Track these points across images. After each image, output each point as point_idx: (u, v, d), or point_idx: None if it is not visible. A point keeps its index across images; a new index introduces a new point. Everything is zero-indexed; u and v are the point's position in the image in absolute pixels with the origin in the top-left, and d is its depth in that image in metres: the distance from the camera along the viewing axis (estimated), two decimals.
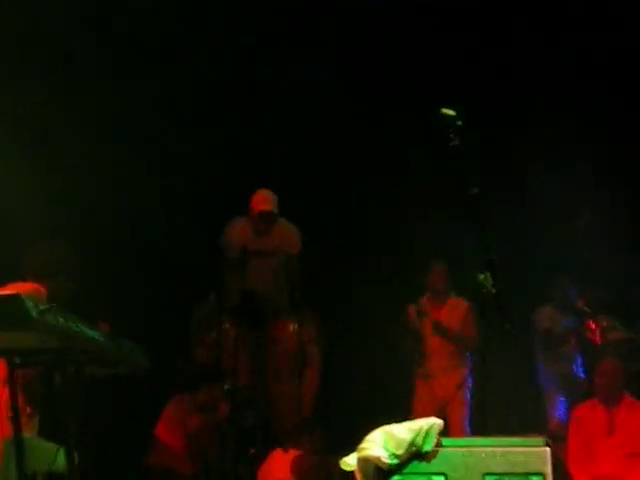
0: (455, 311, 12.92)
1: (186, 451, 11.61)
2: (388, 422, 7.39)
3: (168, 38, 14.26)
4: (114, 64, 14.26)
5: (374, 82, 14.23)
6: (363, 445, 7.19)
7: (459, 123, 8.43)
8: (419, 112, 10.05)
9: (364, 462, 7.16)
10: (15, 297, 7.86)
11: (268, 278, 12.54)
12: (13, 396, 8.47)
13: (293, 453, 11.25)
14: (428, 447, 7.18)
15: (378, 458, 7.10)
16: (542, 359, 13.54)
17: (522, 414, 12.46)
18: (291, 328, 12.38)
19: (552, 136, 13.63)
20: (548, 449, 7.07)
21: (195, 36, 14.37)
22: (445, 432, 10.02)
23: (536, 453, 7.13)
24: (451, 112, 8.57)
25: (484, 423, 10.26)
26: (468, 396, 12.57)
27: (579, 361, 13.48)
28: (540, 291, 13.77)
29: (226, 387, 11.46)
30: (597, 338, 13.15)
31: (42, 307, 7.96)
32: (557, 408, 13.28)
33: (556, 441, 11.46)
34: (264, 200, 12.57)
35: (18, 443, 8.53)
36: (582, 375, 13.33)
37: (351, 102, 13.84)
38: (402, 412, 9.74)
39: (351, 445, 7.43)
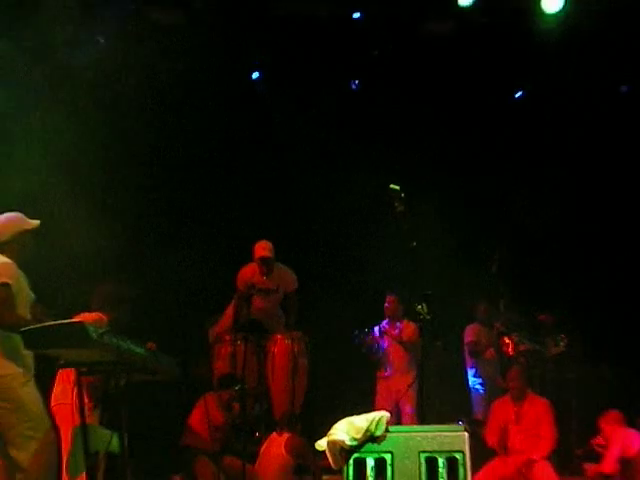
0: (406, 330, 13.54)
1: (210, 435, 12.09)
2: (354, 413, 8.30)
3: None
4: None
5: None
6: (331, 432, 8.20)
7: (402, 195, 9.83)
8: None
9: (332, 444, 8.14)
10: (79, 324, 8.91)
11: (269, 308, 13.38)
12: (80, 395, 9.33)
13: (286, 435, 12.00)
14: (379, 433, 8.12)
15: (342, 441, 8.10)
16: (470, 365, 14.32)
17: (454, 406, 13.19)
18: (286, 344, 13.00)
19: None
20: (466, 434, 8.04)
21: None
22: (398, 420, 11.35)
23: (458, 437, 8.05)
24: (397, 187, 9.95)
25: (424, 414, 11.63)
26: (415, 394, 12.97)
27: (497, 367, 14.18)
28: (469, 314, 14.43)
29: (237, 388, 12.19)
30: (509, 350, 13.99)
31: (100, 331, 9.16)
32: (480, 401, 14.09)
33: (480, 426, 12.89)
34: (263, 248, 13.27)
35: (83, 430, 9.37)
36: (499, 377, 13.90)
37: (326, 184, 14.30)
38: (366, 405, 10.24)
39: (324, 431, 8.30)
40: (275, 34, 14.35)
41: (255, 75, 15.45)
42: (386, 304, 13.83)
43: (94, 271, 12.45)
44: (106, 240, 12.95)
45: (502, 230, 14.75)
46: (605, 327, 14.08)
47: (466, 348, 14.40)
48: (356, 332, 13.60)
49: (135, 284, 12.18)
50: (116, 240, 13.31)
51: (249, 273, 13.47)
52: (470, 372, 14.39)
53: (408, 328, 13.65)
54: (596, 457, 12.50)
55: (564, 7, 13.83)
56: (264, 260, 13.34)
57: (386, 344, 13.77)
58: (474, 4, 13.86)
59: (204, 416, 12.34)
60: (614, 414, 12.44)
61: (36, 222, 9.55)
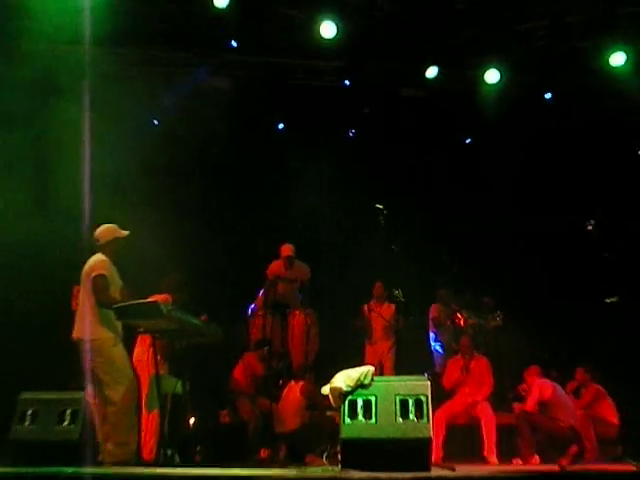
0: (387, 307, 13.48)
1: (249, 382, 12.48)
2: (349, 368, 8.44)
3: None
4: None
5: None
6: (332, 380, 8.36)
7: (385, 212, 9.91)
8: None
9: (333, 389, 8.28)
10: (154, 302, 9.27)
11: (290, 292, 13.34)
12: (154, 353, 9.71)
13: (301, 383, 12.03)
14: (367, 381, 8.22)
15: (340, 387, 8.21)
16: (432, 333, 14.17)
17: (421, 363, 13.02)
18: (301, 318, 13.11)
19: None
20: (429, 382, 8.19)
21: None
22: (380, 373, 11.32)
23: (423, 384, 8.18)
24: (380, 206, 10.02)
25: (399, 369, 11.65)
26: (393, 354, 13.21)
27: (452, 335, 14.00)
28: (432, 297, 14.25)
29: (266, 349, 12.40)
30: (461, 323, 13.93)
31: (168, 307, 9.41)
32: (440, 359, 13.94)
33: (439, 377, 12.85)
34: (287, 249, 13.46)
35: (157, 378, 9.78)
36: (453, 342, 13.77)
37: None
38: (358, 362, 9.54)
39: (327, 380, 8.48)
40: (292, 96, 14.40)
41: (280, 126, 15.46)
42: (374, 290, 13.73)
43: (162, 265, 12.35)
44: (170, 244, 12.98)
45: (456, 239, 14.51)
46: (530, 307, 13.97)
47: (430, 322, 14.27)
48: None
49: (193, 275, 12.41)
50: (177, 245, 13.35)
51: (276, 267, 13.49)
52: (432, 338, 14.24)
53: (389, 308, 13.51)
54: (521, 399, 12.43)
55: (500, 79, 13.85)
56: (288, 258, 13.46)
57: (372, 319, 13.66)
58: (437, 76, 13.89)
59: (244, 369, 12.56)
60: (535, 368, 12.36)
61: (126, 232, 9.75)
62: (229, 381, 12.73)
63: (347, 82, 14.24)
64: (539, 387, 12.01)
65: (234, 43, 13.56)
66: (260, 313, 13.30)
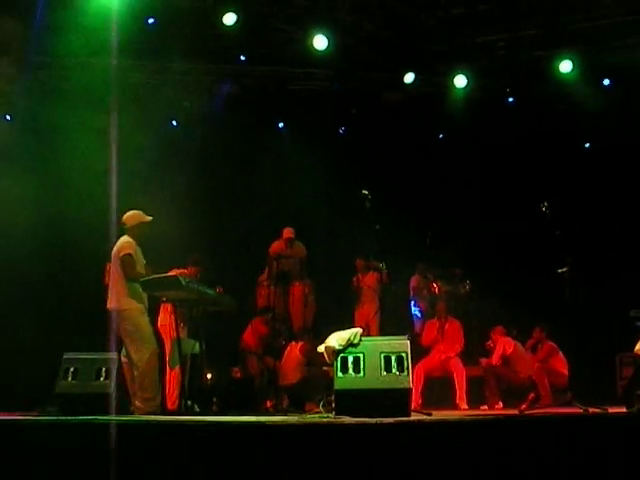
0: (373, 278, 13.33)
1: (256, 343, 12.62)
2: (340, 329, 8.41)
3: None
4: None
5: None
6: (326, 340, 8.31)
7: (369, 197, 9.90)
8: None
9: (327, 348, 8.23)
10: (174, 276, 9.38)
11: (291, 266, 13.26)
12: (175, 320, 9.91)
13: (300, 343, 12.15)
14: (356, 341, 8.18)
15: (333, 346, 8.18)
16: (412, 300, 14.22)
17: (402, 326, 12.73)
18: (300, 287, 13.16)
19: None
20: (408, 341, 8.18)
21: None
22: (368, 334, 11.31)
23: (404, 343, 8.16)
24: (366, 192, 10.00)
25: (383, 330, 11.65)
26: (379, 317, 13.13)
27: (428, 301, 14.07)
28: (412, 269, 14.37)
29: (271, 315, 12.37)
30: (436, 291, 13.97)
31: (187, 280, 9.42)
32: (418, 322, 13.98)
33: (418, 336, 12.90)
34: (289, 232, 13.43)
35: (177, 340, 9.91)
36: (430, 308, 13.87)
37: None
38: (348, 325, 9.80)
39: (322, 340, 8.45)
40: (290, 99, 14.43)
41: (280, 125, 15.43)
42: (356, 265, 13.70)
43: (183, 245, 12.44)
44: (190, 228, 13.12)
45: (430, 220, 14.58)
46: (494, 277, 13.91)
47: (410, 290, 14.29)
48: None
49: (210, 254, 12.57)
50: (196, 229, 13.43)
51: (277, 246, 13.42)
52: (412, 304, 14.26)
53: (373, 277, 13.42)
54: (488, 354, 12.55)
55: (467, 84, 13.87)
56: (288, 239, 13.40)
57: (361, 288, 13.62)
58: (414, 81, 13.88)
59: (253, 332, 12.65)
60: (499, 328, 12.47)
61: (150, 218, 9.75)
62: (240, 342, 12.75)
63: (338, 87, 14.24)
64: (502, 344, 12.10)
65: (242, 57, 13.60)
66: (265, 284, 13.24)
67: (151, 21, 12.57)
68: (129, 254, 9.50)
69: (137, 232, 9.73)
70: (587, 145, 15.23)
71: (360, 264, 13.63)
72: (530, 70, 13.88)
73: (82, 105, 12.71)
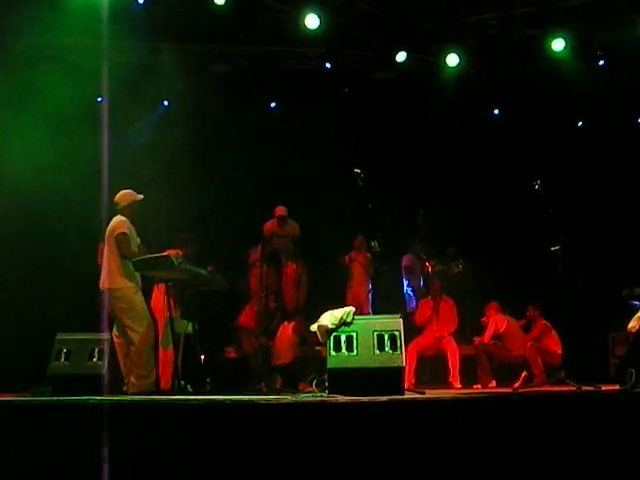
0: (366, 257, 13.38)
1: (253, 320, 12.64)
2: (333, 308, 8.44)
3: None
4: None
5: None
6: (319, 319, 8.32)
7: (362, 176, 9.87)
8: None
9: (320, 327, 8.24)
10: (167, 256, 9.28)
11: (283, 245, 13.27)
12: (168, 300, 9.76)
13: (293, 322, 12.22)
14: (349, 319, 8.22)
15: (326, 325, 8.20)
16: (405, 279, 14.23)
17: (395, 305, 13.00)
18: (293, 267, 13.08)
19: None
20: (401, 320, 8.20)
21: None
22: (360, 313, 11.32)
23: (396, 321, 8.19)
24: (358, 170, 9.98)
25: (376, 308, 11.63)
26: (370, 297, 13.26)
27: (422, 280, 14.17)
28: (404, 248, 14.34)
29: (264, 295, 12.17)
30: (429, 270, 14.06)
31: (179, 260, 9.38)
32: (411, 301, 14.03)
33: (411, 315, 12.90)
34: (281, 210, 13.29)
35: (170, 320, 9.82)
36: (423, 286, 14.02)
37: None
38: (341, 304, 9.79)
39: (315, 319, 8.45)
40: (284, 78, 14.34)
41: (272, 104, 15.36)
42: (356, 242, 13.70)
43: (175, 226, 12.26)
44: (180, 205, 13.08)
45: (423, 199, 14.53)
46: (487, 255, 13.96)
47: (403, 269, 14.27)
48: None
49: (202, 233, 12.43)
50: (186, 207, 13.39)
51: (270, 225, 13.30)
52: (405, 283, 14.25)
53: (366, 257, 13.44)
54: (481, 331, 12.54)
55: (459, 63, 13.82)
56: (281, 218, 13.27)
57: (353, 266, 13.64)
58: (406, 60, 13.82)
59: (249, 310, 12.74)
60: (494, 304, 12.47)
61: (141, 196, 9.78)
62: (235, 321, 12.75)
63: (328, 65, 14.10)
64: (495, 322, 12.11)
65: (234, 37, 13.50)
66: (258, 264, 13.02)
67: (141, 1, 12.46)
68: (124, 233, 9.50)
69: (130, 211, 9.71)
70: (580, 123, 15.20)
71: (360, 242, 13.63)
72: (523, 48, 13.81)
73: (72, 84, 12.50)
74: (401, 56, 13.78)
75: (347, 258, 13.72)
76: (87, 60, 12.47)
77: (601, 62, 13.80)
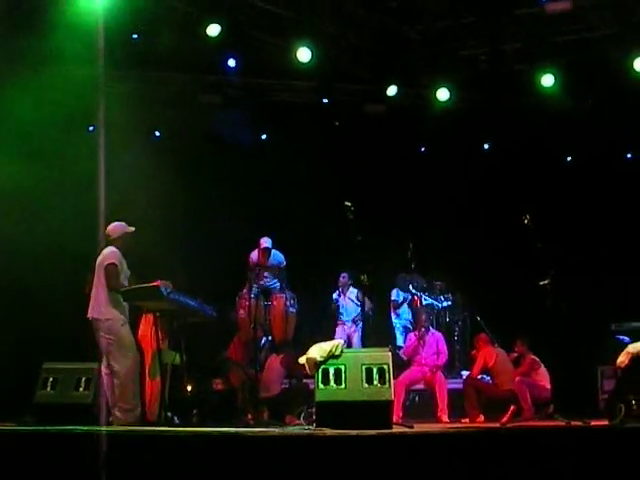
0: (352, 294, 13.62)
1: (242, 353, 12.38)
2: (322, 341, 8.50)
3: None
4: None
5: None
6: (308, 352, 8.36)
7: (352, 209, 9.88)
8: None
9: (309, 360, 8.29)
10: (155, 286, 9.26)
11: (270, 277, 13.07)
12: (156, 331, 9.74)
13: (281, 355, 11.91)
14: (337, 352, 8.24)
15: (315, 358, 8.22)
16: (393, 314, 14.27)
17: (383, 338, 13.10)
18: (282, 299, 12.80)
19: None
20: (389, 353, 8.23)
21: None
22: (349, 346, 11.31)
23: (385, 355, 8.22)
24: (349, 203, 9.98)
25: (365, 342, 11.62)
26: (360, 330, 13.12)
27: (410, 314, 14.14)
28: (392, 283, 14.36)
29: (252, 327, 11.83)
30: (417, 303, 13.96)
31: (168, 290, 9.41)
32: (400, 335, 14.05)
33: (399, 349, 12.90)
34: (265, 241, 12.97)
35: (158, 351, 9.81)
36: (411, 320, 13.95)
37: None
38: (329, 337, 10.04)
39: (303, 352, 8.54)
40: (275, 110, 14.42)
41: (263, 136, 15.37)
42: (341, 277, 13.81)
43: (163, 257, 12.18)
44: (167, 236, 12.96)
45: (412, 233, 14.49)
46: (475, 289, 14.00)
47: (391, 303, 14.30)
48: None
49: (191, 265, 12.64)
50: (173, 238, 13.33)
51: (255, 256, 13.17)
52: (393, 316, 14.26)
53: (353, 293, 13.57)
54: (471, 364, 12.45)
55: (450, 98, 13.80)
56: (265, 249, 13.12)
57: (342, 302, 13.74)
58: (396, 94, 13.87)
59: (239, 342, 12.56)
60: (483, 336, 12.37)
61: (133, 228, 9.80)
62: (223, 353, 12.60)
63: (325, 100, 14.25)
64: (483, 356, 12.02)
65: (232, 62, 13.41)
66: (246, 296, 12.95)
67: (135, 37, 12.62)
68: (114, 264, 9.53)
69: (121, 243, 9.76)
70: (569, 159, 15.23)
71: (344, 279, 13.74)
72: (512, 83, 13.86)
73: (65, 115, 12.58)
74: (392, 90, 13.79)
75: (337, 292, 13.84)
76: (79, 89, 12.41)
77: (589, 98, 13.90)
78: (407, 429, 8.29)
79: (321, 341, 8.59)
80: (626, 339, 10.50)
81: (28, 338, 12.31)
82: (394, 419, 8.62)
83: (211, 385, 12.38)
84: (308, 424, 8.22)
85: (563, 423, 8.93)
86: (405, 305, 14.26)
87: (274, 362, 12.01)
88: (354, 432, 6.61)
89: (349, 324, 13.67)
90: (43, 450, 6.38)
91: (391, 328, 14.22)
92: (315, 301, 13.91)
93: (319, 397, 8.09)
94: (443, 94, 13.82)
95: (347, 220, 9.93)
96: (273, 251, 13.24)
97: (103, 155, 11.31)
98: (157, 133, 14.76)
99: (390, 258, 13.96)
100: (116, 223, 9.86)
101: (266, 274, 13.21)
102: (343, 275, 13.72)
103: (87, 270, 9.97)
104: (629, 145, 14.81)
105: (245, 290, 13.00)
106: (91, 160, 11.28)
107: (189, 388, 10.79)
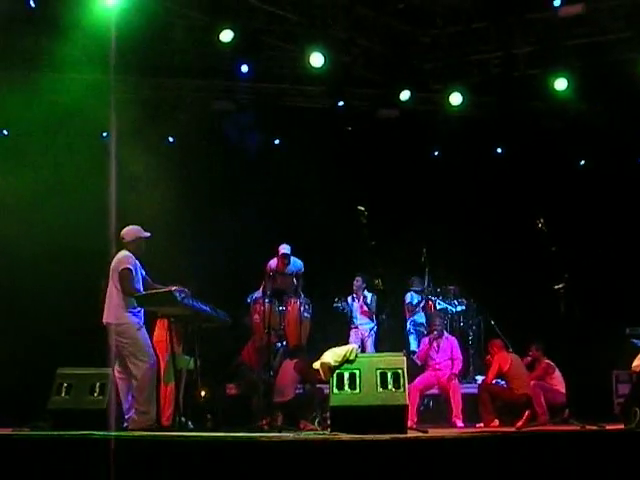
0: (366, 299, 13.56)
1: (256, 357, 12.33)
2: (336, 346, 8.49)
3: None
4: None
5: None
6: (322, 357, 8.35)
7: (366, 213, 9.86)
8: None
9: (323, 365, 8.28)
10: (170, 292, 9.22)
11: (286, 283, 13.04)
12: (171, 336, 9.72)
13: (295, 360, 11.86)
14: (352, 357, 8.22)
15: (329, 363, 8.22)
16: (408, 317, 14.15)
17: (398, 342, 13.22)
18: (296, 305, 12.87)
19: None
20: (404, 358, 8.21)
21: None
22: (363, 350, 11.28)
23: (400, 359, 8.20)
24: (362, 208, 9.97)
25: (379, 346, 11.58)
26: (374, 335, 13.32)
27: (424, 318, 13.99)
28: (407, 286, 14.28)
29: (266, 332, 12.03)
30: (431, 308, 13.92)
31: (183, 295, 9.39)
32: (414, 339, 13.90)
33: (414, 353, 12.88)
34: (284, 248, 13.07)
35: (173, 356, 9.79)
36: (425, 324, 13.79)
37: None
38: (344, 342, 10.04)
39: (317, 357, 8.51)
40: (288, 116, 14.40)
41: (276, 141, 15.34)
42: (355, 282, 13.75)
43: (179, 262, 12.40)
44: (183, 241, 13.25)
45: (426, 237, 14.37)
46: (490, 293, 13.94)
47: (405, 307, 14.24)
48: (337, 301, 13.71)
49: (205, 268, 12.68)
50: (190, 243, 13.51)
51: (274, 263, 13.24)
52: (408, 321, 14.19)
53: (367, 298, 13.56)
54: (486, 369, 12.36)
55: (462, 102, 13.82)
56: (284, 255, 13.18)
57: (356, 306, 13.66)
58: (409, 99, 13.87)
59: (252, 345, 12.53)
60: (498, 342, 12.29)
61: (148, 234, 9.79)
62: (238, 357, 12.58)
63: (341, 103, 14.18)
64: (498, 361, 11.96)
65: (245, 68, 13.44)
66: (261, 301, 13.02)
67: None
68: (128, 268, 9.51)
69: (135, 246, 9.74)
70: (582, 162, 15.21)
71: (357, 282, 13.68)
72: (525, 87, 13.84)
73: (77, 119, 12.62)
74: (405, 94, 13.82)
75: (350, 299, 13.79)
76: (92, 95, 12.49)
77: (600, 102, 13.88)
78: (422, 434, 8.27)
79: (335, 346, 8.57)
80: None
81: (42, 344, 12.36)
82: (409, 424, 8.62)
83: (225, 390, 12.52)
84: (322, 429, 8.18)
85: (578, 427, 8.87)
86: (419, 309, 14.19)
87: (288, 367, 11.97)
88: (369, 437, 6.58)
89: (363, 328, 13.58)
90: (58, 455, 6.37)
91: (405, 332, 14.16)
92: (329, 305, 13.81)
93: (334, 402, 8.08)
94: (456, 98, 13.86)
95: (360, 224, 9.92)
96: (292, 258, 13.29)
97: (115, 161, 11.42)
98: (170, 139, 14.76)
99: (403, 262, 13.95)
100: (131, 227, 9.84)
101: (283, 280, 13.19)
102: (357, 279, 13.69)
103: (102, 276, 9.95)
104: None
105: (260, 295, 13.06)
106: (104, 166, 11.37)
107: (203, 393, 10.91)
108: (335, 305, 13.75)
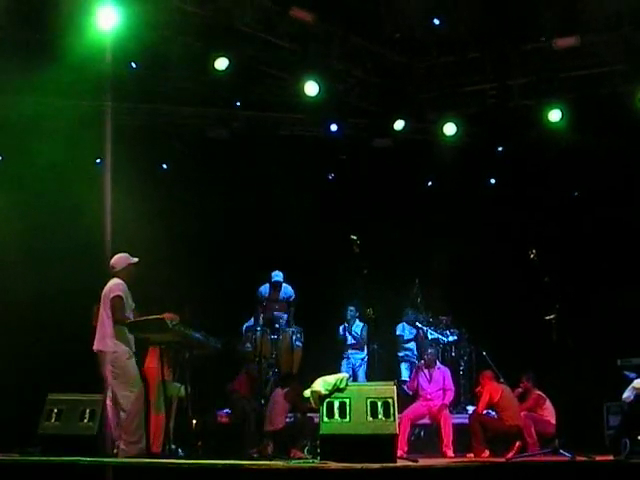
0: (357, 329, 13.63)
1: (248, 386, 12.29)
2: (327, 374, 8.57)
3: None
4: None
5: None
6: (312, 385, 8.43)
7: (358, 242, 9.93)
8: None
9: (313, 393, 8.36)
10: (161, 319, 9.26)
11: (278, 311, 13.22)
12: (162, 362, 9.72)
13: (286, 389, 11.93)
14: (342, 386, 8.30)
15: (319, 391, 8.29)
16: (400, 348, 14.16)
17: (389, 372, 13.17)
18: (288, 334, 13.07)
19: None
20: (395, 387, 8.26)
21: None
22: (354, 380, 11.25)
23: (390, 389, 8.25)
24: (354, 237, 10.04)
25: (370, 376, 11.58)
26: (365, 364, 13.29)
27: (415, 349, 14.06)
28: (399, 317, 14.36)
29: (257, 360, 12.05)
30: (423, 338, 13.88)
31: (174, 323, 9.41)
32: (405, 369, 13.99)
33: (405, 383, 12.87)
34: (275, 275, 13.30)
35: (163, 383, 9.76)
36: (417, 354, 13.88)
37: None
38: (335, 371, 9.72)
39: (308, 386, 8.59)
40: (282, 144, 14.38)
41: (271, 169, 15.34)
42: (347, 312, 13.80)
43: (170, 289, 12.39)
44: (175, 269, 13.15)
45: (418, 267, 14.56)
46: (481, 323, 14.00)
47: (397, 338, 14.28)
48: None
49: (197, 295, 12.52)
50: (182, 270, 13.39)
51: (264, 291, 13.33)
52: (398, 351, 14.20)
53: (358, 327, 13.66)
54: (476, 400, 12.38)
55: (456, 132, 13.93)
56: (276, 283, 13.30)
57: (348, 336, 13.72)
58: (403, 128, 13.94)
59: (244, 376, 12.46)
60: (488, 373, 12.31)
61: (136, 259, 9.81)
62: (229, 386, 12.57)
63: (334, 128, 14.17)
64: (489, 392, 11.97)
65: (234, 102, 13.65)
66: (253, 330, 13.16)
67: (134, 65, 12.75)
68: (119, 296, 9.56)
69: (126, 274, 9.78)
70: (576, 193, 15.25)
71: (350, 313, 13.73)
72: (519, 118, 13.94)
73: (71, 145, 12.75)
74: (399, 124, 13.88)
75: (342, 329, 13.83)
76: (87, 122, 12.55)
77: (596, 133, 13.89)
78: (412, 463, 8.30)
79: (326, 374, 8.62)
80: (632, 375, 10.47)
81: (33, 370, 12.35)
82: (399, 453, 8.70)
83: (216, 418, 12.54)
84: (312, 457, 8.20)
85: (568, 458, 8.91)
86: (412, 341, 14.20)
87: (279, 396, 12.05)
88: (358, 465, 6.67)
89: (354, 358, 13.63)
90: None
91: (396, 362, 14.17)
92: (321, 334, 13.87)
93: (324, 430, 8.12)
94: (450, 129, 13.94)
95: (353, 253, 9.99)
96: (284, 285, 13.41)
97: (110, 188, 11.49)
98: (164, 166, 14.81)
99: (395, 291, 14.02)
100: (119, 255, 9.92)
101: (275, 307, 13.34)
102: (350, 309, 13.72)
103: (93, 302, 9.98)
104: (637, 181, 14.76)
105: (252, 323, 13.08)
106: (98, 193, 11.47)
107: (194, 421, 10.83)
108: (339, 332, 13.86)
